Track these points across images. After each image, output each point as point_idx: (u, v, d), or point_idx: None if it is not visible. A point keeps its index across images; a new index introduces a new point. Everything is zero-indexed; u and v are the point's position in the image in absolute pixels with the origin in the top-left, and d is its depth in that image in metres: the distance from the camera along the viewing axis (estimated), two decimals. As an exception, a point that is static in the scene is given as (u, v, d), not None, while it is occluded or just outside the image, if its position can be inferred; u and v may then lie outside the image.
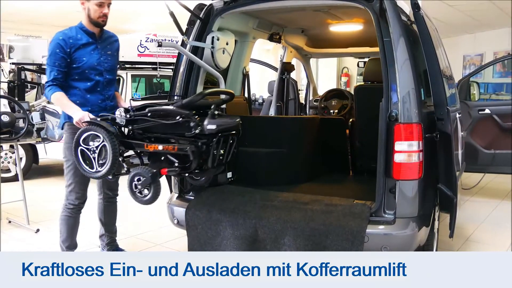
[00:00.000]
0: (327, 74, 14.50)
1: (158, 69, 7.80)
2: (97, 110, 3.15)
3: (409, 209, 2.79)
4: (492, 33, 12.12)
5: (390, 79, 2.78)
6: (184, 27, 3.45)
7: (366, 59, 5.57)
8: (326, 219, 2.85)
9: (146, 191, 2.93)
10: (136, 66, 7.81)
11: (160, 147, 2.91)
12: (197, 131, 2.82)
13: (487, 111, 5.31)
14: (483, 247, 4.12)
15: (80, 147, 2.96)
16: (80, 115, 3.00)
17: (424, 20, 2.93)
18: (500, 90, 11.74)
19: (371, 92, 3.29)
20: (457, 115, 3.80)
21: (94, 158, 2.93)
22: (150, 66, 7.94)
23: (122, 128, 3.11)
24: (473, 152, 5.24)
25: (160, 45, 3.37)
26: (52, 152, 6.81)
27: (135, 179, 2.92)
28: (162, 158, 3.00)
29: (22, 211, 4.67)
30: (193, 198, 3.27)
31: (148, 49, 7.82)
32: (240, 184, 3.39)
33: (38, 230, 4.46)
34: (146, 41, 7.81)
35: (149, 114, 2.95)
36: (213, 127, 2.84)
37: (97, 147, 2.91)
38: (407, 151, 2.73)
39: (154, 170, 2.91)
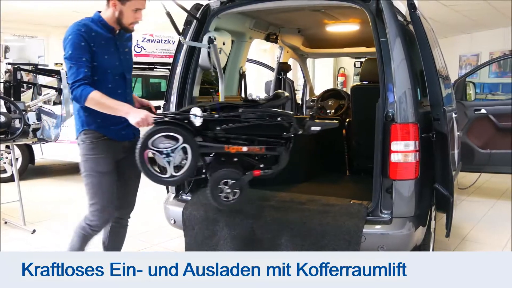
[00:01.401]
0: (324, 74, 14.53)
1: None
2: (117, 117, 2.64)
3: (405, 209, 2.80)
4: (488, 33, 12.17)
5: (387, 79, 2.79)
6: (180, 27, 3.45)
7: (363, 59, 5.58)
8: (323, 219, 2.86)
9: (232, 194, 2.77)
10: (133, 66, 7.80)
11: (245, 149, 2.74)
12: (299, 132, 2.78)
13: (483, 111, 5.33)
14: (480, 246, 4.14)
15: (148, 151, 2.59)
16: (142, 115, 2.54)
17: (420, 21, 2.94)
18: (496, 90, 11.79)
19: (368, 92, 3.30)
20: (453, 115, 3.81)
21: (168, 162, 2.62)
22: (146, 66, 7.94)
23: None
24: (469, 152, 5.26)
25: (211, 42, 3.34)
26: (48, 152, 6.78)
27: (222, 182, 2.73)
28: (235, 159, 2.79)
29: (18, 211, 4.65)
30: (190, 198, 3.27)
31: (144, 49, 7.82)
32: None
33: (34, 231, 4.45)
34: (142, 41, 7.81)
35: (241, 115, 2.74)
36: (318, 128, 2.81)
37: (173, 150, 2.60)
38: (403, 151, 2.74)
39: (247, 172, 2.75)
